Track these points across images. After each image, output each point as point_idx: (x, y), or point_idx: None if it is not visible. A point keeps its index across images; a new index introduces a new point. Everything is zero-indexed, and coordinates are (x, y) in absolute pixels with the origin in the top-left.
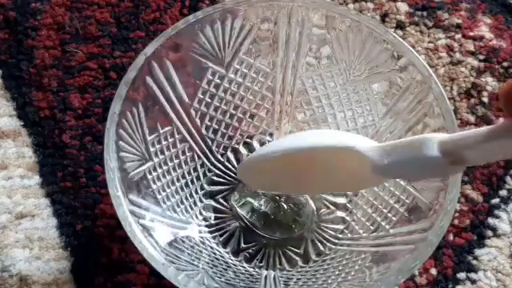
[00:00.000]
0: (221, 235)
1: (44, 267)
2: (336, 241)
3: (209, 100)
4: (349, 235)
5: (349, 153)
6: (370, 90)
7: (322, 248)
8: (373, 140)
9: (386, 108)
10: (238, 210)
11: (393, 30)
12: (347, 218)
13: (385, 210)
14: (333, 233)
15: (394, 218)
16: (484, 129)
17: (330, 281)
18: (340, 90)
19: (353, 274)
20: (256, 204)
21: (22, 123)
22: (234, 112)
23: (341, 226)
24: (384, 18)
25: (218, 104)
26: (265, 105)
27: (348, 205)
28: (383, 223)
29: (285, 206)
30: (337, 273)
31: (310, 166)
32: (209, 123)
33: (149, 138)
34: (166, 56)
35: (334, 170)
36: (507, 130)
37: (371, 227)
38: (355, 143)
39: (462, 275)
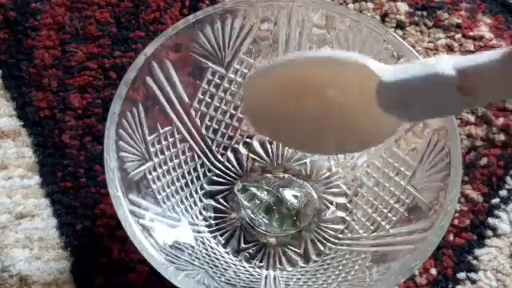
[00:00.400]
0: (221, 235)
1: (44, 267)
2: (336, 241)
3: (209, 100)
4: (349, 235)
5: (360, 71)
6: None
7: (322, 248)
8: None
9: None
10: (241, 198)
11: (393, 29)
12: (347, 218)
13: (385, 210)
14: (333, 233)
15: (394, 218)
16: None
17: (330, 281)
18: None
19: (353, 273)
20: (259, 194)
21: (22, 123)
22: (234, 112)
23: (341, 226)
24: (384, 17)
25: (217, 104)
26: None
27: (348, 204)
28: (383, 223)
29: (288, 197)
30: (337, 273)
31: (319, 93)
32: (209, 123)
33: (149, 138)
34: (165, 56)
35: (344, 101)
36: None
37: (371, 227)
38: (366, 60)
39: (462, 275)
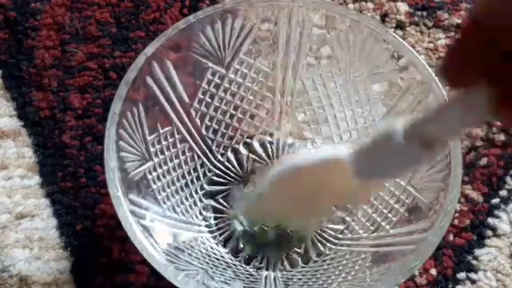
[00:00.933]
0: (220, 235)
1: (44, 267)
2: (336, 241)
3: (209, 100)
4: (349, 235)
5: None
6: (371, 91)
7: (322, 248)
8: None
9: (386, 108)
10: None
11: (393, 29)
12: (347, 218)
13: (385, 211)
14: (333, 233)
15: (394, 219)
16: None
17: (330, 281)
18: (340, 91)
19: (353, 274)
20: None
21: (22, 123)
22: (234, 112)
23: (341, 226)
24: (384, 17)
25: (218, 104)
26: (265, 105)
27: (348, 205)
28: (383, 223)
29: None
30: (337, 273)
31: (309, 185)
32: (209, 123)
33: (149, 138)
34: (166, 56)
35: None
36: (454, 99)
37: (371, 227)
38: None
39: (461, 275)
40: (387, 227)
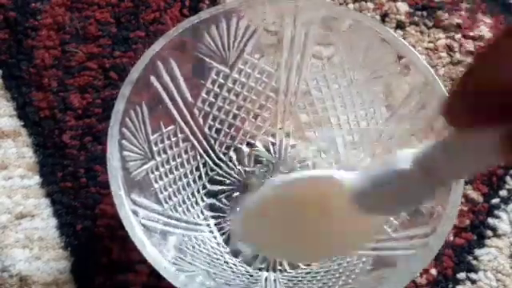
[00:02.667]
0: (222, 235)
1: (44, 267)
2: None
3: (212, 100)
4: None
5: (330, 184)
6: (374, 93)
7: None
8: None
9: (389, 112)
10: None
11: (393, 29)
12: None
13: None
14: None
15: (395, 222)
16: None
17: (330, 283)
18: (344, 92)
19: (354, 277)
20: None
21: (22, 123)
22: (237, 112)
23: None
24: (384, 17)
25: (221, 104)
26: (268, 105)
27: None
28: (385, 227)
29: None
30: (337, 276)
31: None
32: (212, 123)
33: (152, 137)
34: (170, 55)
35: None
36: (466, 138)
37: None
38: (332, 172)
39: (462, 275)
40: (389, 231)
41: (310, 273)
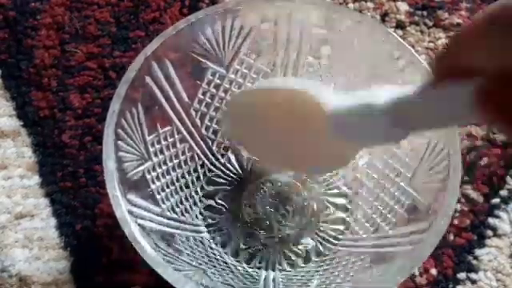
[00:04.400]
0: (220, 235)
1: (44, 267)
2: (336, 241)
3: (209, 100)
4: (349, 236)
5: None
6: None
7: (321, 248)
8: None
9: None
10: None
11: (393, 29)
12: (347, 219)
13: (384, 211)
14: (333, 233)
15: (393, 219)
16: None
17: (328, 281)
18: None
19: (352, 274)
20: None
21: (22, 123)
22: None
23: (341, 227)
24: (384, 17)
25: (218, 104)
26: None
27: (348, 205)
28: (383, 224)
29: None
30: (336, 273)
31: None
32: (209, 123)
33: (148, 138)
34: (165, 56)
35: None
36: (441, 87)
37: (371, 228)
38: (308, 87)
39: (462, 275)
40: (387, 228)
41: (309, 271)
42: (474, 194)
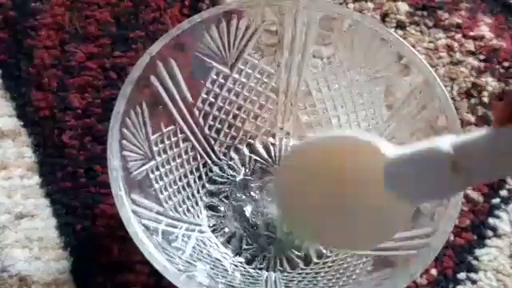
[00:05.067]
0: (222, 235)
1: (44, 267)
2: None
3: (212, 100)
4: None
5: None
6: (375, 94)
7: (323, 250)
8: None
9: (390, 112)
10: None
11: (393, 29)
12: None
13: None
14: None
15: None
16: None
17: (331, 284)
18: (344, 93)
19: (354, 277)
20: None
21: (22, 123)
22: (237, 112)
23: None
24: (384, 17)
25: (221, 104)
26: (268, 105)
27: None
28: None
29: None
30: (338, 276)
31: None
32: (212, 123)
33: (152, 137)
34: (170, 55)
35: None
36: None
37: None
38: (378, 141)
39: (462, 275)
40: None
41: (310, 273)
42: (473, 194)
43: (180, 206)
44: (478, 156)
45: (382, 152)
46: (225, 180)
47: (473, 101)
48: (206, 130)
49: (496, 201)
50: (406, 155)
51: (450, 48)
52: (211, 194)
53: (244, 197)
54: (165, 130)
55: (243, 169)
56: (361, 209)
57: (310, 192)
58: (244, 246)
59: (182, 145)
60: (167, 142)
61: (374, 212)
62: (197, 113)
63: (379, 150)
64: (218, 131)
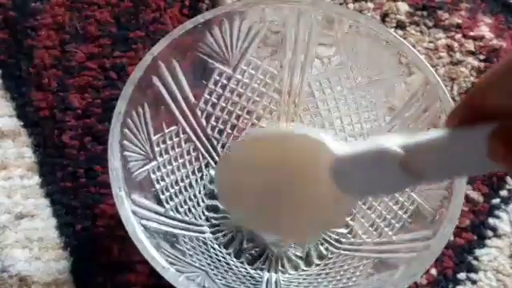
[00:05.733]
0: (223, 236)
1: (44, 267)
2: (339, 245)
3: (215, 100)
4: (352, 240)
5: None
6: (377, 96)
7: (324, 252)
8: None
9: (392, 114)
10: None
11: (393, 29)
12: (351, 223)
13: (388, 217)
14: (336, 237)
15: (397, 225)
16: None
17: (331, 285)
18: (347, 94)
19: (354, 279)
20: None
21: (22, 123)
22: (240, 113)
23: (344, 231)
24: (384, 17)
25: (224, 104)
26: (271, 106)
27: (352, 209)
28: (386, 229)
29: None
30: (338, 278)
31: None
32: (214, 123)
33: (153, 138)
34: (173, 56)
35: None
36: (455, 134)
37: (374, 233)
38: (324, 137)
39: (462, 275)
40: (390, 233)
41: (311, 275)
42: (474, 194)
43: (181, 207)
44: (430, 156)
45: (330, 148)
46: None
47: None
48: (209, 131)
49: (496, 201)
50: (355, 154)
51: (449, 48)
52: (212, 194)
53: None
54: (167, 131)
55: None
56: (297, 197)
57: (246, 179)
58: (245, 247)
59: (184, 145)
60: (169, 143)
61: (311, 201)
62: (199, 113)
63: (326, 147)
64: (220, 132)
